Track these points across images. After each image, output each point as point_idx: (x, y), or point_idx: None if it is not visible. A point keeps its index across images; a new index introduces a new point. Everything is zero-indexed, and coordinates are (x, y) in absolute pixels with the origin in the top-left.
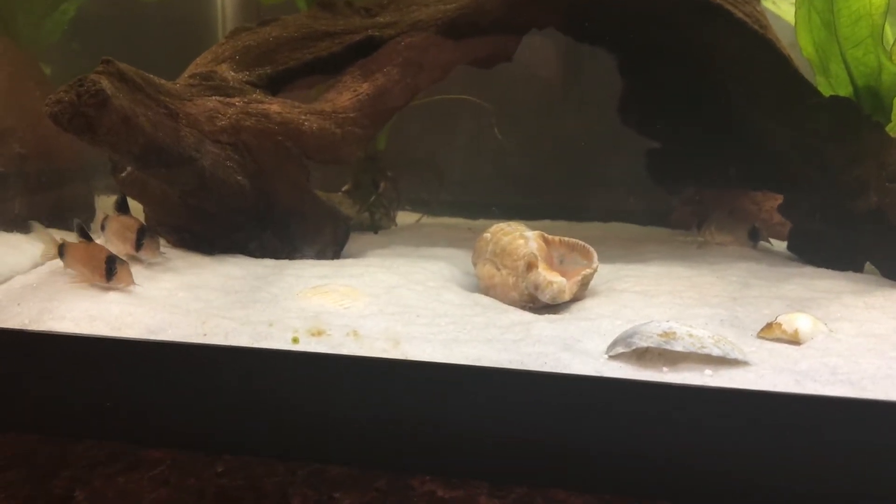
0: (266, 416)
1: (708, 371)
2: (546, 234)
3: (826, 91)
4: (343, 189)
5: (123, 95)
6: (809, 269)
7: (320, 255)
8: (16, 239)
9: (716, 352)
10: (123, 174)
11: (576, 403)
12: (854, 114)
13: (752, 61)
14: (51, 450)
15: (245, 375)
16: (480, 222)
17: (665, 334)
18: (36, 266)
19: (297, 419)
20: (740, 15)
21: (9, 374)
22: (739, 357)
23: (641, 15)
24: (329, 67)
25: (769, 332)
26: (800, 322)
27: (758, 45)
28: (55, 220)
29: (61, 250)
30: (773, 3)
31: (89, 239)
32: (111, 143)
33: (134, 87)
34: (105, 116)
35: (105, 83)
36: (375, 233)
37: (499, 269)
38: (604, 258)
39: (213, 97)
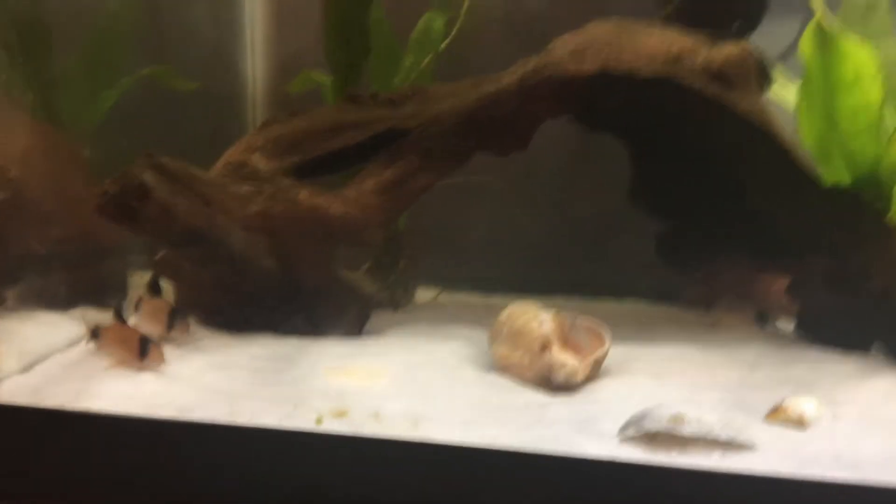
0: (291, 494)
1: (716, 454)
2: (560, 315)
3: (828, 180)
4: (364, 268)
5: (163, 186)
6: (817, 351)
7: (343, 333)
8: (55, 318)
9: (723, 436)
10: (158, 256)
11: (589, 485)
12: (855, 202)
13: (755, 151)
14: None
15: (271, 455)
16: (496, 299)
17: (674, 418)
18: (73, 345)
19: (320, 499)
20: (743, 109)
21: (45, 452)
22: (746, 441)
23: (649, 107)
24: (354, 156)
25: (775, 415)
26: (805, 406)
27: (760, 136)
28: (91, 298)
29: (95, 333)
30: (782, 88)
31: (124, 322)
32: (151, 230)
33: (172, 177)
34: (146, 207)
35: (147, 176)
36: (395, 310)
37: (514, 350)
38: (617, 338)
39: (246, 185)
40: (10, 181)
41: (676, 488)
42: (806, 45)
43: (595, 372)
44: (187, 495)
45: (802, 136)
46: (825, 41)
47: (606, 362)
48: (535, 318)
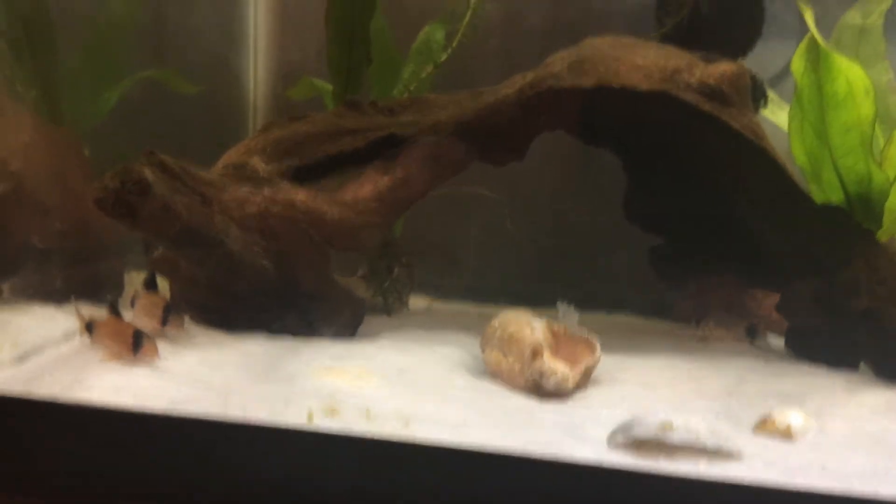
0: (280, 489)
1: (703, 462)
2: (552, 324)
3: (819, 197)
4: (359, 273)
5: (163, 184)
6: (805, 366)
7: (336, 335)
8: (50, 311)
9: (711, 444)
10: (155, 254)
11: (576, 490)
12: (845, 221)
13: (747, 168)
14: None
15: (261, 450)
16: (489, 309)
17: (663, 426)
18: (68, 338)
19: (308, 494)
20: (736, 125)
21: (37, 442)
22: (733, 450)
23: (645, 122)
24: (352, 161)
25: (763, 427)
26: (792, 418)
27: (753, 153)
28: (88, 293)
29: (89, 327)
30: (773, 112)
31: (119, 316)
32: (150, 227)
33: (173, 176)
34: (146, 203)
35: (147, 173)
36: (389, 315)
37: (506, 356)
38: (607, 348)
39: (245, 186)
40: (11, 174)
41: (663, 495)
42: (798, 61)
43: (585, 380)
44: (178, 487)
45: (794, 154)
46: (817, 57)
47: (596, 371)
48: (527, 325)
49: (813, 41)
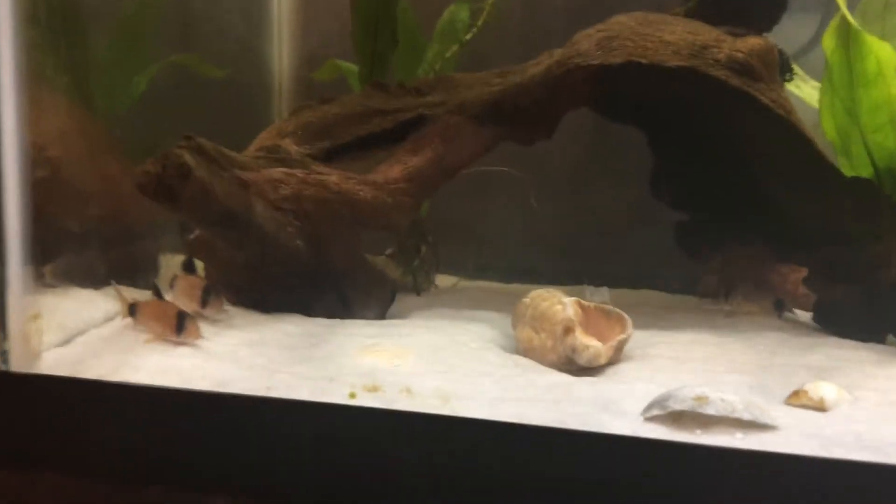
0: (325, 466)
1: (739, 434)
2: (582, 301)
3: (848, 172)
4: (387, 252)
5: (202, 168)
6: (833, 340)
7: (369, 315)
8: (90, 294)
9: (746, 416)
10: (191, 236)
11: (615, 462)
12: (875, 194)
13: (777, 143)
14: (123, 495)
15: (307, 428)
16: (514, 286)
17: (698, 398)
18: (109, 320)
19: (353, 470)
20: (766, 100)
21: (86, 422)
22: (769, 422)
23: (671, 97)
24: (382, 142)
25: (796, 399)
26: (825, 390)
27: (782, 127)
28: (125, 276)
29: (132, 309)
30: (797, 86)
31: (162, 298)
32: (190, 210)
33: (210, 159)
34: (187, 187)
35: (187, 157)
36: (418, 294)
37: (537, 333)
38: (636, 324)
39: (278, 168)
40: (48, 160)
41: (701, 466)
42: (829, 40)
43: (617, 355)
44: (225, 467)
45: (824, 128)
46: (848, 36)
47: (627, 347)
48: (558, 302)
49: (844, 20)
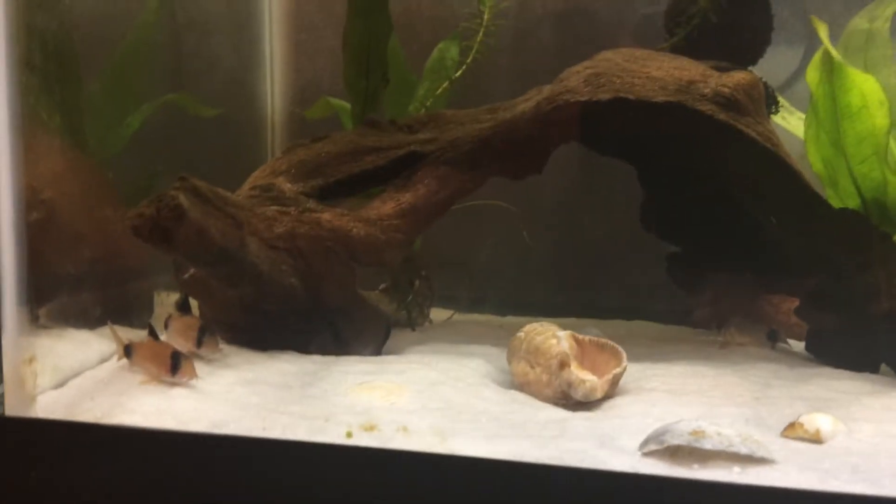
0: None
1: (736, 468)
2: (577, 334)
3: (836, 203)
4: (380, 287)
5: (197, 209)
6: (827, 370)
7: (364, 351)
8: (85, 335)
9: (743, 450)
10: (186, 276)
11: (612, 499)
12: (862, 225)
13: (764, 175)
14: None
15: (304, 469)
16: (509, 319)
17: (695, 433)
18: (104, 361)
19: None
20: (752, 133)
21: (81, 466)
22: (765, 455)
23: (659, 132)
24: (375, 179)
25: (792, 431)
26: (821, 422)
27: (770, 160)
28: (120, 316)
29: (128, 350)
30: (784, 118)
31: (157, 338)
32: (185, 251)
33: (205, 199)
34: (182, 228)
35: (182, 198)
36: (413, 330)
37: (532, 367)
38: (631, 357)
39: (272, 207)
40: (43, 202)
41: (698, 501)
42: (813, 73)
43: (613, 390)
44: None
45: (811, 160)
46: (832, 70)
47: (623, 380)
48: (552, 336)
49: (827, 54)
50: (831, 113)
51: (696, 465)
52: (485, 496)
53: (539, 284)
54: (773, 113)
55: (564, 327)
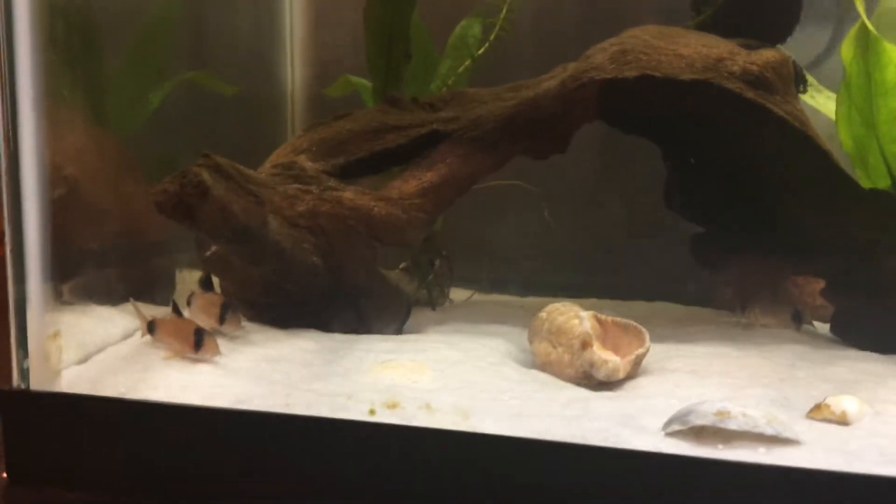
0: (345, 483)
1: (762, 449)
2: (599, 315)
3: (865, 183)
4: (401, 266)
5: (220, 185)
6: (853, 352)
7: (385, 330)
8: (109, 311)
9: (769, 431)
10: (208, 253)
11: (636, 478)
12: (892, 204)
13: (792, 155)
14: None
15: (327, 445)
16: (529, 300)
17: (720, 413)
18: (127, 337)
19: (373, 487)
20: (781, 112)
21: (105, 440)
22: (791, 436)
23: (685, 110)
24: (396, 157)
25: (818, 412)
26: (847, 404)
27: (798, 140)
28: (142, 293)
29: (151, 327)
30: (812, 97)
31: (180, 315)
32: (208, 228)
33: (227, 177)
34: (205, 205)
35: (205, 175)
36: (433, 309)
37: (555, 347)
38: (653, 337)
39: (294, 185)
40: (65, 178)
41: (724, 481)
42: (847, 49)
43: (635, 370)
44: (245, 484)
45: (841, 139)
46: (867, 45)
47: (645, 361)
48: (574, 316)
49: (863, 29)
50: (865, 90)
51: (720, 446)
52: (507, 474)
53: (561, 265)
54: (801, 92)
55: (584, 307)
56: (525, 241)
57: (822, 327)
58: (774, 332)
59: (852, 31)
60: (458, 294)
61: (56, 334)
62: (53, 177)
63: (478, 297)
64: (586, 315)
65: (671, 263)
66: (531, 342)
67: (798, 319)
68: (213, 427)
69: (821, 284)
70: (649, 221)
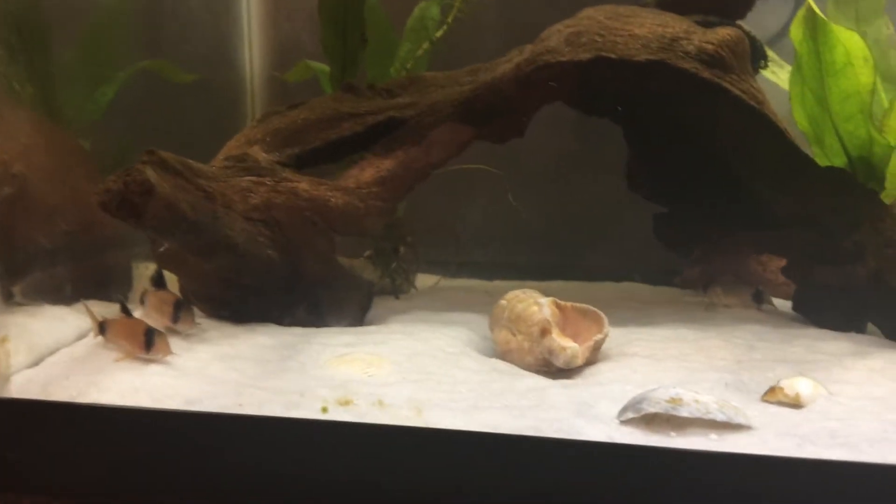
0: (297, 483)
1: (713, 435)
2: (559, 301)
3: (822, 161)
4: (365, 255)
5: (166, 183)
6: (813, 331)
7: (345, 322)
8: (62, 311)
9: (720, 417)
10: (161, 249)
11: (589, 468)
12: (849, 182)
13: (749, 134)
14: None
15: (279, 445)
16: (496, 283)
17: (672, 400)
18: (81, 338)
19: (326, 486)
20: (736, 91)
21: (57, 445)
22: (743, 422)
23: (642, 91)
24: (353, 146)
25: (772, 395)
26: (801, 386)
27: (754, 118)
28: (98, 291)
29: (102, 327)
30: (773, 73)
31: (130, 315)
32: (155, 226)
33: (175, 173)
34: (150, 203)
35: (150, 173)
36: (397, 298)
37: (514, 335)
38: (615, 320)
39: (246, 177)
40: (14, 176)
41: (675, 470)
42: (797, 30)
43: (595, 356)
44: (195, 486)
45: (796, 118)
46: (815, 27)
47: (605, 346)
48: (534, 303)
49: (810, 10)
50: (816, 70)
51: (673, 433)
52: (460, 469)
53: (527, 247)
54: (761, 68)
55: (550, 290)
56: (491, 224)
57: (787, 305)
58: (736, 312)
59: (800, 12)
60: (424, 280)
61: (4, 339)
62: (1, 175)
63: (444, 282)
64: (546, 302)
65: (639, 244)
66: (492, 330)
67: (759, 299)
68: (163, 429)
69: (783, 262)
70: (615, 202)
